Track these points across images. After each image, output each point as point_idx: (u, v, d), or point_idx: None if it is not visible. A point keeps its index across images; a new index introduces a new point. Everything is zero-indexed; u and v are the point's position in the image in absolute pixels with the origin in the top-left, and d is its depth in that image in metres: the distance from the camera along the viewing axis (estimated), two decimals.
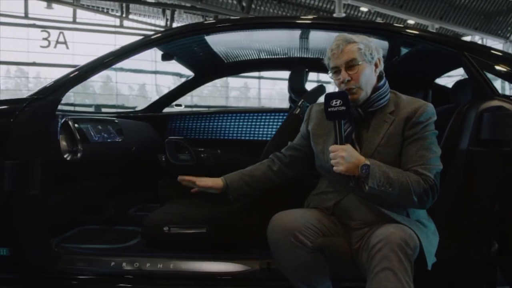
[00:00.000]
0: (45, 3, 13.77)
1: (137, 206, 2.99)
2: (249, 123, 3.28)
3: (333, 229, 1.69)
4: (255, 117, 3.29)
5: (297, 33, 2.68)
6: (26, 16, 14.25)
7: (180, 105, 3.53)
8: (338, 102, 1.62)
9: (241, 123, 3.27)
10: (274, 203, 1.85)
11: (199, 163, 2.90)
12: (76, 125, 2.21)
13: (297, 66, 2.52)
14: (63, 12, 14.50)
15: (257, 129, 3.27)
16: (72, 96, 17.37)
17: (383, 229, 1.52)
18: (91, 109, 13.45)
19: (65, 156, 2.12)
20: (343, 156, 1.57)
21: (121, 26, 16.05)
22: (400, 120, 1.67)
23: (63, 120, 2.15)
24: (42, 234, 2.00)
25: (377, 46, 1.73)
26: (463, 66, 2.03)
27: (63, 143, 2.13)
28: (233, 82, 19.04)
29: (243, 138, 3.29)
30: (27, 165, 1.92)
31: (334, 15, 13.12)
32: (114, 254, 2.06)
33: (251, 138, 3.28)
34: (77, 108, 14.93)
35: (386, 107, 1.72)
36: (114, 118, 2.72)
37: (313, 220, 1.65)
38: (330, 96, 1.64)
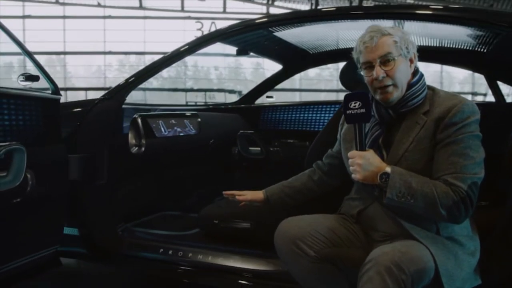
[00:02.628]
0: None
1: (221, 196, 3.13)
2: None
3: (349, 239, 1.59)
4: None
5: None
6: (182, 10, 15.61)
7: (271, 97, 3.55)
8: (357, 104, 1.48)
9: (325, 115, 3.16)
10: (319, 203, 1.80)
11: (269, 156, 2.90)
12: (145, 121, 2.39)
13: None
14: (214, 3, 15.50)
15: None
16: (225, 82, 18.63)
17: (379, 249, 1.38)
18: (235, 96, 14.25)
19: (131, 149, 2.34)
20: (360, 163, 1.45)
21: (268, 13, 16.54)
22: (431, 121, 1.47)
23: (132, 117, 2.36)
24: (108, 218, 2.25)
25: (412, 40, 1.53)
26: None
27: (131, 139, 2.35)
28: None
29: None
30: (94, 158, 2.17)
31: None
32: (168, 241, 2.21)
33: None
34: (227, 95, 15.95)
35: (420, 106, 1.52)
36: (196, 112, 2.87)
37: (323, 229, 1.56)
38: (349, 97, 1.51)
